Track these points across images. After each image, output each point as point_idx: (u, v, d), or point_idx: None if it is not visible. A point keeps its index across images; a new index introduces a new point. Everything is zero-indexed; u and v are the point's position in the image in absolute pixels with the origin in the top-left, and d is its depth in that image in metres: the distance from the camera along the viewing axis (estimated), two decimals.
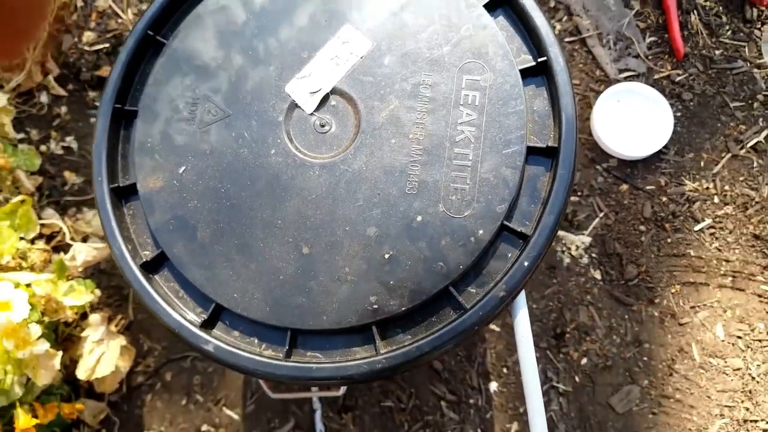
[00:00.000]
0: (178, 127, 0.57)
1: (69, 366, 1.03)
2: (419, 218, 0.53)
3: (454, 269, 0.51)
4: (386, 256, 0.53)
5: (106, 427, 1.10)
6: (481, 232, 0.52)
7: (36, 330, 0.92)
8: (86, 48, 1.22)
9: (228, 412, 1.09)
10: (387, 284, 0.52)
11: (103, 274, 1.14)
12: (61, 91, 1.22)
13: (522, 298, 0.53)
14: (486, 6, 0.57)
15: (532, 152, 0.54)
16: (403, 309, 0.51)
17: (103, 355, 1.04)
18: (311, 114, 0.57)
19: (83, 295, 1.00)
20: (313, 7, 0.58)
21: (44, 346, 0.92)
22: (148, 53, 0.62)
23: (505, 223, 0.53)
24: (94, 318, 1.03)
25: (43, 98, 1.21)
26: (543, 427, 0.50)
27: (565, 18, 1.16)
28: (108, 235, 0.56)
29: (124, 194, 0.59)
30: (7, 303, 0.89)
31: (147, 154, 0.57)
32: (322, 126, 0.57)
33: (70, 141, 1.20)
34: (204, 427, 1.09)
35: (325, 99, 0.57)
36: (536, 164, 0.54)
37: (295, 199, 0.55)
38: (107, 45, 1.23)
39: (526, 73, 0.56)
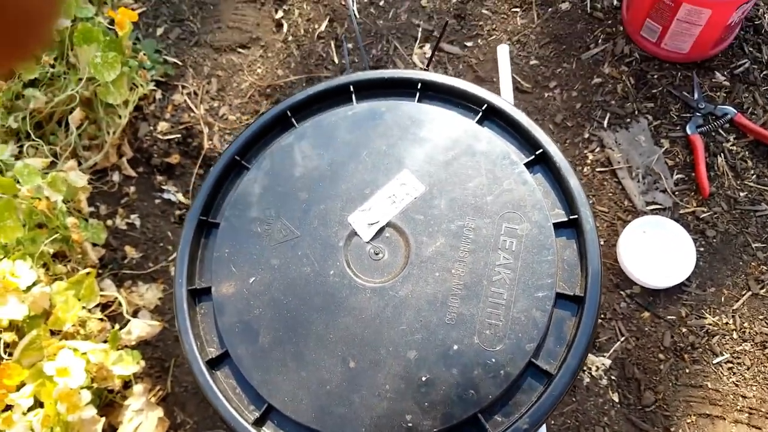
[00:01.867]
0: (253, 242, 0.66)
1: (107, 430, 1.09)
2: (455, 347, 0.60)
3: (484, 398, 0.58)
4: (423, 378, 0.59)
5: None
6: (510, 366, 0.59)
7: (86, 396, 0.99)
8: (159, 136, 1.36)
9: None
10: (422, 405, 0.58)
11: (148, 345, 1.22)
12: (132, 173, 1.34)
13: (543, 430, 0.59)
14: (526, 164, 0.66)
15: (560, 297, 0.62)
16: (435, 430, 0.57)
17: (141, 425, 1.09)
18: (368, 242, 0.65)
19: (130, 365, 1.08)
20: (377, 152, 0.68)
21: (92, 411, 0.99)
22: (232, 174, 0.72)
23: (533, 360, 0.59)
24: (137, 388, 1.10)
25: (115, 177, 1.34)
26: None
27: (598, 149, 1.25)
28: (181, 331, 0.64)
29: (199, 294, 0.67)
30: (66, 369, 0.96)
31: (223, 264, 0.66)
32: (376, 254, 0.65)
33: (134, 218, 1.31)
34: None
35: (381, 230, 0.66)
36: (563, 309, 0.61)
37: (347, 318, 0.62)
38: (179, 135, 1.36)
39: (559, 226, 0.64)
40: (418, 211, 0.66)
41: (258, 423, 0.61)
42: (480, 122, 0.70)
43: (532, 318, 0.60)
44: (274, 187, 0.68)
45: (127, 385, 1.14)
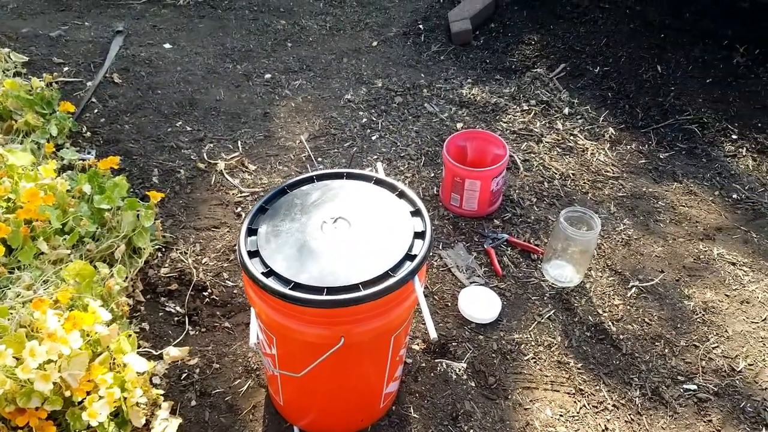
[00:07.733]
0: (273, 228, 1.43)
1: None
2: (377, 256, 1.38)
3: (391, 263, 1.34)
4: (359, 263, 1.35)
5: None
6: (400, 253, 1.37)
7: (139, 392, 1.53)
8: (161, 275, 2.06)
9: None
10: (356, 271, 1.33)
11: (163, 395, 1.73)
12: (142, 299, 1.99)
13: (417, 280, 1.35)
14: (397, 194, 1.55)
15: (416, 235, 1.44)
16: (364, 280, 1.32)
17: (167, 427, 1.59)
18: (325, 222, 1.45)
19: (159, 388, 1.63)
20: (329, 197, 1.53)
21: (143, 399, 1.53)
22: (261, 211, 1.51)
23: (408, 252, 1.38)
24: (165, 405, 1.62)
25: (131, 301, 1.97)
26: (429, 318, 1.26)
27: (438, 260, 2.15)
28: (240, 242, 1.36)
29: (250, 233, 1.40)
30: (131, 367, 1.53)
31: (263, 223, 1.42)
32: (334, 228, 1.45)
33: (145, 325, 1.92)
34: None
35: (335, 220, 1.46)
36: (417, 238, 1.43)
37: (321, 249, 1.39)
38: (175, 274, 2.06)
39: (412, 214, 1.50)
40: (357, 212, 1.48)
41: (265, 275, 1.30)
42: (373, 184, 1.59)
43: (408, 240, 1.41)
44: (278, 212, 1.49)
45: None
